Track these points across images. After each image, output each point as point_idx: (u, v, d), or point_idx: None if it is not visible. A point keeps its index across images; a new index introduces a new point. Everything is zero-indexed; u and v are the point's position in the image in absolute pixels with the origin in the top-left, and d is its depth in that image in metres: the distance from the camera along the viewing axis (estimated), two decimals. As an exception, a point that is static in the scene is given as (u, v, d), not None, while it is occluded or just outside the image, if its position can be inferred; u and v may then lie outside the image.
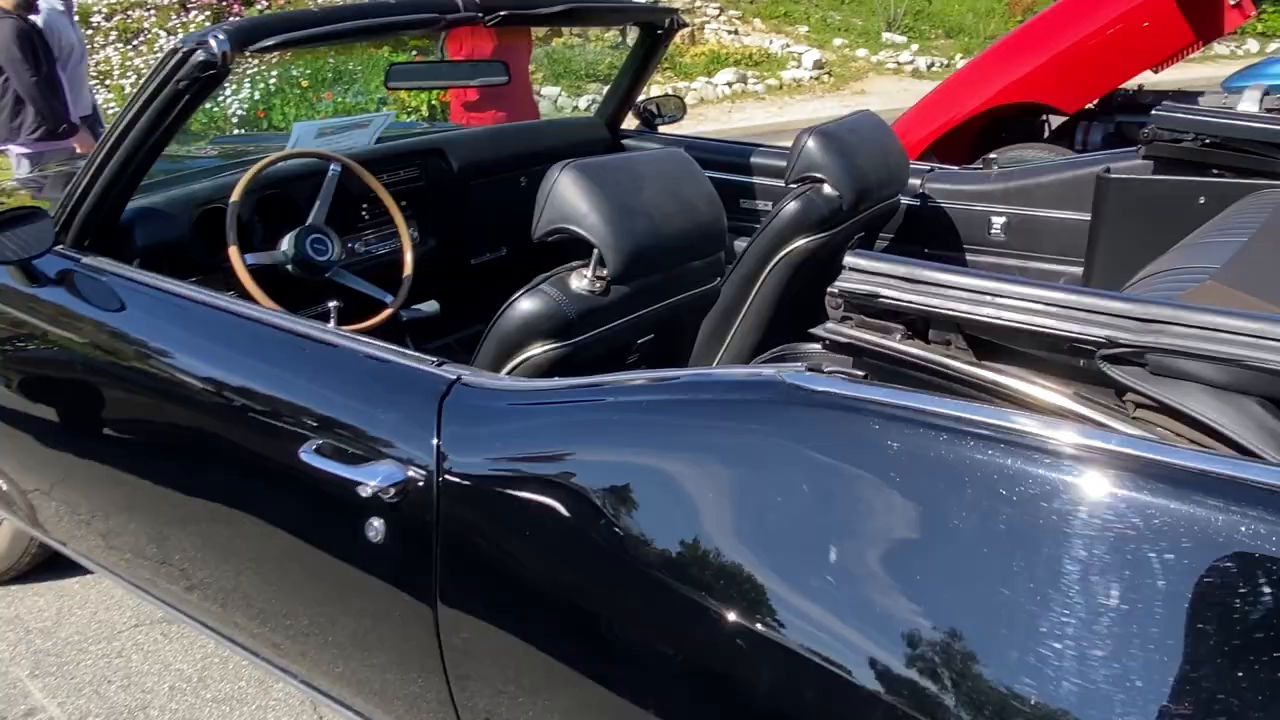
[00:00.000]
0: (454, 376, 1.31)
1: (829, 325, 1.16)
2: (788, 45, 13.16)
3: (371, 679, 1.54)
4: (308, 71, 8.78)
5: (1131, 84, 4.93)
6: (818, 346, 1.19)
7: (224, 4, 10.18)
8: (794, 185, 2.15)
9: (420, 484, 1.26)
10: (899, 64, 13.49)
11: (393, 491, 1.26)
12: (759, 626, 0.97)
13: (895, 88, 12.29)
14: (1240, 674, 0.75)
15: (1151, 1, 4.09)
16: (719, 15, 13.52)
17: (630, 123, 3.29)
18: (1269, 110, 4.20)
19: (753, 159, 2.83)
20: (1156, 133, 2.12)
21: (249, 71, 8.39)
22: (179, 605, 1.92)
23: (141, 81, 1.78)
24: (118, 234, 1.92)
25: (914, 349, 1.09)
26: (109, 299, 1.77)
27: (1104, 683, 0.80)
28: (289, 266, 2.12)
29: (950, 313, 1.06)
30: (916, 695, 0.89)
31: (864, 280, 1.11)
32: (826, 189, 2.12)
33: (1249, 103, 4.21)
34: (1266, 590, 0.77)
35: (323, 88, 8.94)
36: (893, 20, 14.10)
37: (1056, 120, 4.96)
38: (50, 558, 2.60)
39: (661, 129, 3.25)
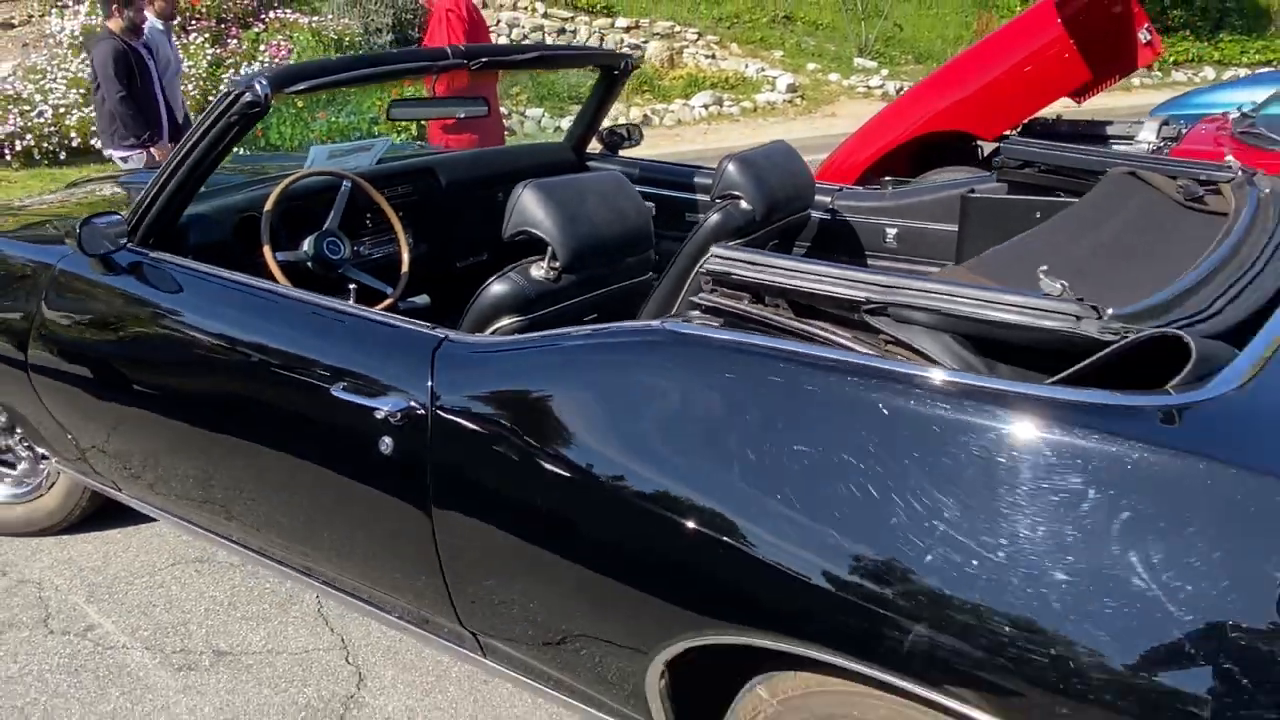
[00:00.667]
0: (443, 336, 1.82)
1: (701, 295, 1.67)
2: (763, 69, 13.75)
3: (383, 577, 2.03)
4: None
5: (1051, 113, 5.49)
6: (698, 312, 1.69)
7: (222, 26, 10.68)
8: (718, 200, 2.67)
9: (419, 411, 1.76)
10: (869, 88, 14.10)
11: (399, 415, 1.76)
12: (662, 500, 1.47)
13: (865, 111, 12.83)
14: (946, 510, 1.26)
15: (1054, 43, 4.64)
16: (698, 40, 14.12)
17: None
18: (1163, 139, 4.77)
19: (695, 179, 3.35)
20: (1007, 160, 2.65)
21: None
22: (219, 532, 2.40)
23: (200, 116, 2.28)
24: (175, 235, 2.41)
25: (754, 309, 1.60)
26: (172, 285, 2.27)
27: (868, 523, 1.30)
28: (309, 263, 2.62)
29: (776, 284, 1.57)
30: (751, 538, 1.39)
31: (722, 263, 1.63)
32: (743, 204, 2.64)
33: (1148, 131, 4.78)
34: (944, 440, 1.28)
35: (317, 108, 9.44)
36: (864, 46, 14.72)
37: (990, 146, 5.50)
38: (94, 512, 3.07)
39: (622, 152, 3.76)
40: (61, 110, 8.92)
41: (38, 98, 9.00)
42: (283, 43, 10.65)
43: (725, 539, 1.39)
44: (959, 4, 16.77)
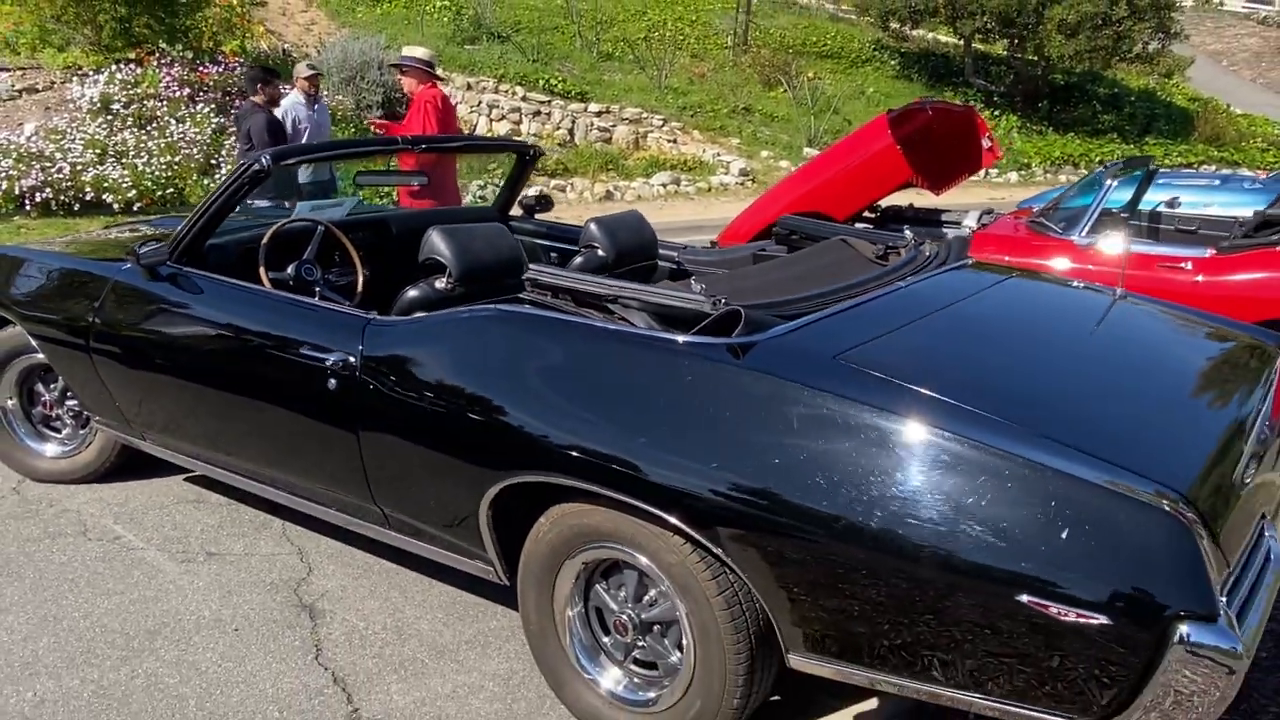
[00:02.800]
0: (371, 317, 2.90)
1: (524, 294, 2.78)
2: (719, 154, 15.10)
3: (327, 477, 3.07)
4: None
5: (904, 201, 6.75)
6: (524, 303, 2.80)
7: (227, 98, 11.91)
8: (584, 249, 3.79)
9: (352, 360, 2.83)
10: (816, 175, 15.46)
11: (340, 364, 2.83)
12: (491, 406, 2.54)
13: (808, 195, 14.20)
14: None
15: (885, 150, 5.86)
16: (663, 125, 15.49)
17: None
18: (980, 224, 5.95)
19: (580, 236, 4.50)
20: (781, 230, 3.79)
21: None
22: (220, 463, 3.44)
23: (222, 179, 3.38)
24: (200, 257, 3.50)
25: (553, 301, 2.71)
26: (196, 289, 3.34)
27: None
28: (291, 281, 3.70)
29: (564, 286, 2.69)
30: (540, 420, 2.46)
31: (535, 274, 2.74)
32: (599, 252, 3.76)
33: (970, 219, 5.97)
34: (642, 362, 2.37)
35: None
36: (813, 137, 16.12)
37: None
38: (119, 466, 4.08)
39: (538, 216, 4.89)
40: (79, 167, 10.05)
41: (57, 155, 10.14)
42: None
43: (527, 420, 2.47)
44: (904, 102, 18.29)
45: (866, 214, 6.58)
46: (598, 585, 2.62)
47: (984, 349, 2.62)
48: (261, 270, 3.57)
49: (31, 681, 2.80)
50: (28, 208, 9.67)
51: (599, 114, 15.14)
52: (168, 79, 11.64)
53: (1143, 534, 1.87)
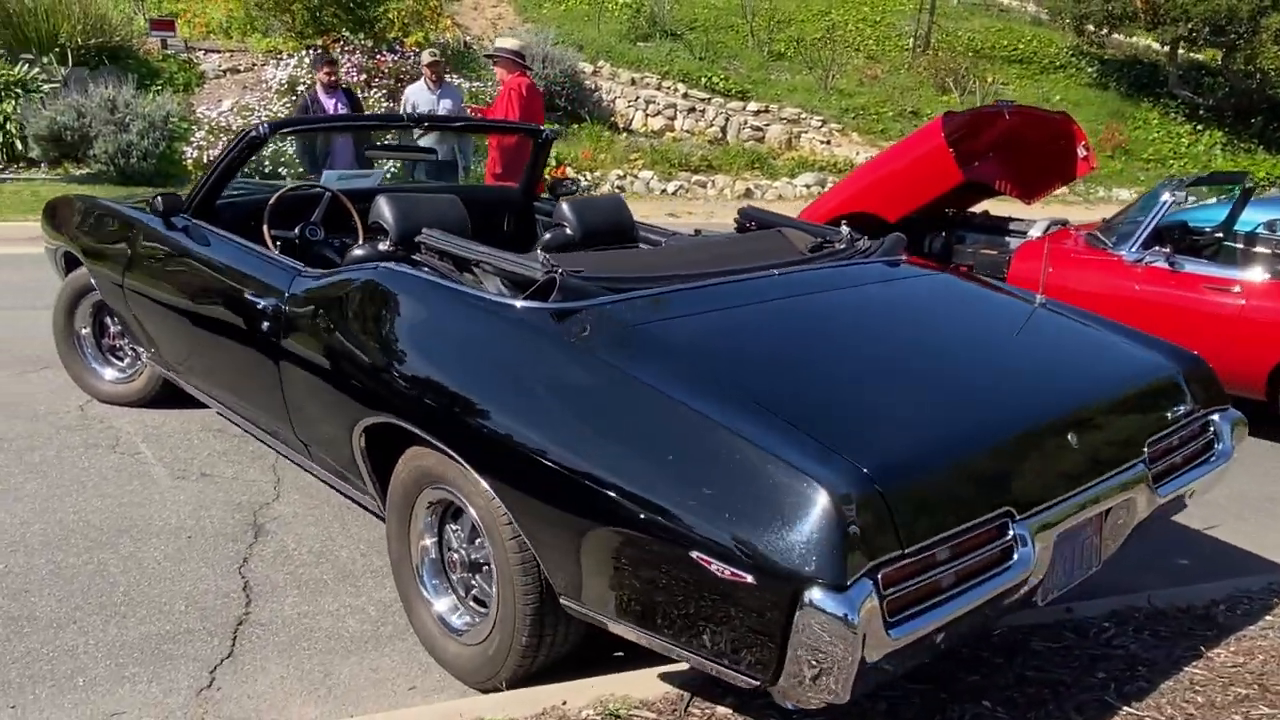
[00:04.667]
0: (299, 270, 3.24)
1: (418, 255, 3.04)
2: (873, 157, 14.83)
3: (271, 421, 3.45)
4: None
5: (978, 208, 6.52)
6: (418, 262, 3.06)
7: (399, 84, 12.85)
8: (552, 227, 4.01)
9: (282, 306, 3.18)
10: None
11: (271, 309, 3.19)
12: (367, 348, 2.83)
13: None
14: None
15: (934, 153, 5.66)
16: (820, 127, 15.37)
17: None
18: (1045, 233, 5.70)
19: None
20: (742, 219, 3.86)
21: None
22: (210, 397, 3.90)
23: (226, 144, 3.83)
24: (213, 212, 3.97)
25: (438, 263, 2.95)
26: (203, 240, 3.80)
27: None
28: (296, 240, 4.12)
29: (441, 248, 2.94)
30: (399, 366, 2.73)
31: (425, 238, 2.99)
32: (567, 230, 3.97)
33: (1037, 229, 5.76)
34: (485, 320, 2.59)
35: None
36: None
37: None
38: (165, 395, 4.65)
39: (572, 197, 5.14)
40: (259, 142, 11.15)
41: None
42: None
43: (380, 367, 2.74)
44: (1093, 110, 17.25)
45: (932, 215, 6.42)
46: (449, 525, 2.85)
47: (794, 334, 2.67)
48: (265, 229, 4.00)
49: (6, 556, 3.33)
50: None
51: (756, 113, 15.20)
52: (348, 65, 12.68)
53: (795, 502, 1.92)
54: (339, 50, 12.86)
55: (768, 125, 15.06)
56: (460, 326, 2.63)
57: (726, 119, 14.91)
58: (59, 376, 4.85)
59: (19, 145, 10.94)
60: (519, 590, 2.51)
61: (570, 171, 12.42)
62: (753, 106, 15.30)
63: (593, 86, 14.58)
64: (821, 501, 1.90)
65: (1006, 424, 2.36)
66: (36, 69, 11.40)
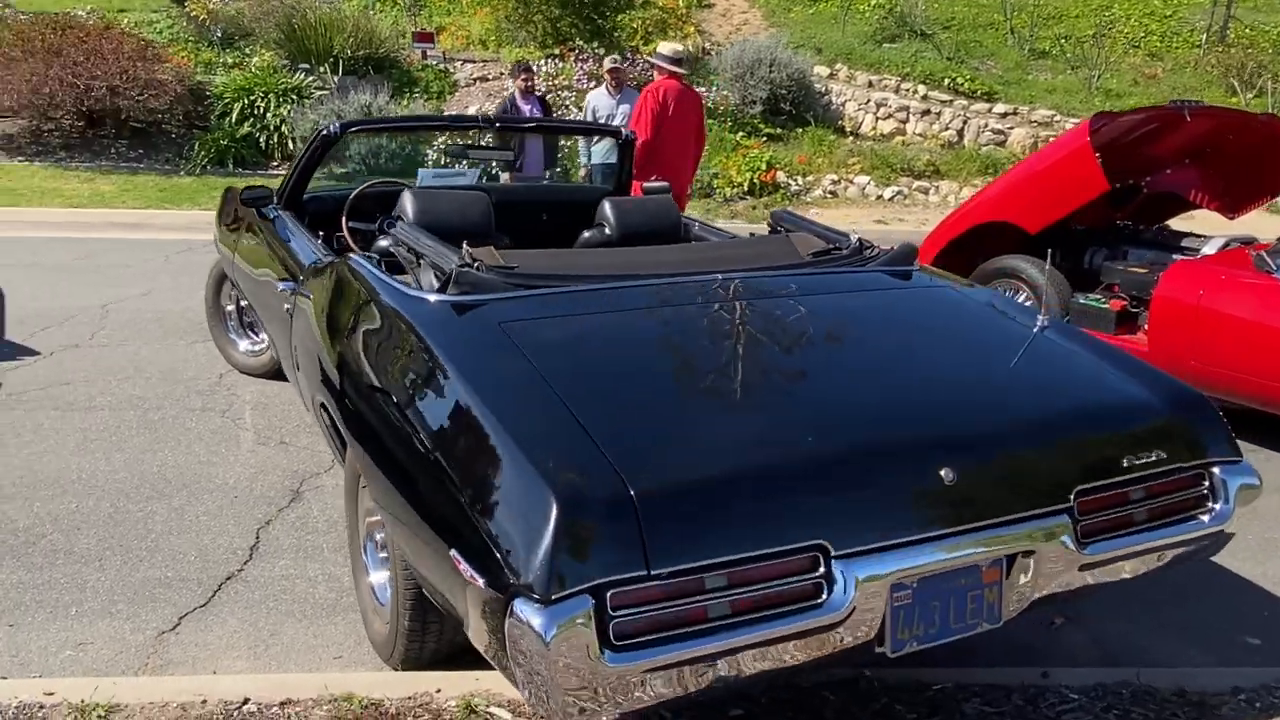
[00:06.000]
0: (316, 257, 3.49)
1: (390, 245, 3.18)
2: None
3: (296, 382, 3.75)
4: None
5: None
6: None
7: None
8: (594, 226, 4.03)
9: (296, 289, 3.45)
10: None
11: (290, 291, 3.47)
12: (325, 318, 3.03)
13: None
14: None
15: (1076, 155, 4.98)
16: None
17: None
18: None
19: None
20: (774, 221, 3.68)
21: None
22: (285, 372, 4.29)
23: (307, 141, 4.19)
24: (300, 204, 4.35)
25: (403, 254, 3.09)
26: (284, 226, 4.19)
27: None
28: (376, 232, 4.42)
29: (402, 239, 3.06)
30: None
31: (395, 230, 3.13)
32: (606, 229, 3.97)
33: (1211, 247, 5.07)
34: (407, 310, 2.71)
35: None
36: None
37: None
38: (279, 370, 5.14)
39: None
40: (489, 144, 11.95)
41: (480, 133, 12.15)
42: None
43: (325, 347, 2.92)
44: None
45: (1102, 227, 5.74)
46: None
47: (672, 342, 2.60)
48: (344, 220, 4.33)
49: (83, 497, 3.84)
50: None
51: (1003, 115, 14.23)
52: (580, 73, 13.25)
53: (529, 510, 1.86)
54: (573, 59, 13.47)
55: (1012, 129, 14.05)
56: (376, 316, 2.74)
57: (964, 122, 14.07)
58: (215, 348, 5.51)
59: (290, 145, 12.38)
60: (400, 573, 2.58)
61: (781, 176, 12.26)
62: (999, 108, 14.33)
63: (822, 90, 14.27)
64: (547, 511, 1.83)
65: (851, 452, 2.14)
66: (311, 77, 12.86)
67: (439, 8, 16.23)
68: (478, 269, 2.67)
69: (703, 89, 13.55)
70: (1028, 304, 2.81)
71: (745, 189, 11.98)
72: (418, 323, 2.50)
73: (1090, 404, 2.47)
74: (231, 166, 12.19)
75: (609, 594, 1.81)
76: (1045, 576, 2.23)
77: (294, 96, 12.51)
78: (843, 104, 14.33)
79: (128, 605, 3.15)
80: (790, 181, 12.34)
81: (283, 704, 2.53)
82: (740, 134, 13.00)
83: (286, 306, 3.51)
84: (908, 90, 14.58)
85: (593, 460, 1.94)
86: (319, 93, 12.66)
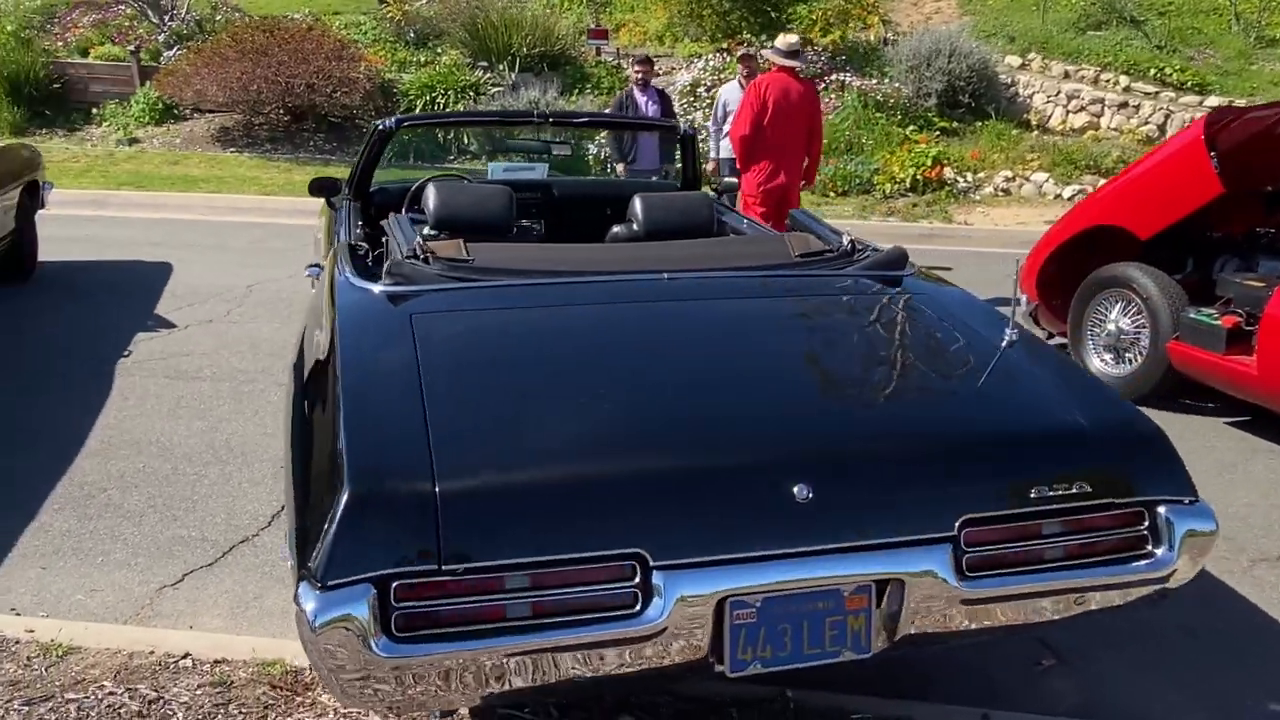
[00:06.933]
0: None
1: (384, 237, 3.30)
2: None
3: None
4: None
5: None
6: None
7: (804, 83, 12.99)
8: (625, 221, 4.02)
9: (315, 275, 3.66)
10: None
11: (313, 276, 3.68)
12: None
13: None
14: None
15: (1185, 151, 4.38)
16: None
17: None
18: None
19: None
20: (791, 223, 3.53)
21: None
22: None
23: (366, 137, 4.42)
24: (367, 194, 4.59)
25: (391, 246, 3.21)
26: (341, 215, 4.43)
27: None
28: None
29: (390, 234, 3.17)
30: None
31: (386, 222, 3.24)
32: (634, 225, 3.94)
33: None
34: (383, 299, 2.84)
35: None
36: None
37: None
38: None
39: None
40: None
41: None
42: (831, 100, 12.66)
43: (302, 335, 3.10)
44: None
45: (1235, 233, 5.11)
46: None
47: (568, 340, 2.60)
48: (404, 211, 4.54)
49: (155, 459, 4.22)
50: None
51: (1214, 109, 12.93)
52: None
53: (329, 497, 1.91)
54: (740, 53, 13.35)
55: (1224, 124, 12.74)
56: (325, 305, 2.85)
57: (1167, 116, 12.87)
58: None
59: (464, 139, 12.98)
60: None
61: (949, 172, 11.67)
62: (1212, 100, 13.02)
63: (1008, 81, 13.45)
64: (339, 500, 1.87)
65: (688, 463, 2.05)
66: (489, 74, 13.43)
67: (622, 4, 16.52)
68: (425, 261, 2.74)
69: (873, 81, 13.12)
70: (1012, 326, 2.55)
71: (907, 185, 11.49)
72: (338, 311, 2.61)
73: (1003, 427, 2.24)
74: (412, 160, 12.94)
75: (394, 585, 1.83)
76: (918, 611, 2.05)
77: (471, 93, 13.11)
78: (1029, 96, 13.46)
79: (146, 559, 3.45)
80: (958, 178, 11.73)
81: (216, 662, 2.70)
82: (911, 128, 12.48)
83: (312, 290, 3.72)
84: (1107, 81, 13.52)
85: (413, 454, 1.96)
86: (494, 89, 13.20)
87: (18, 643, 2.76)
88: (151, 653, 2.73)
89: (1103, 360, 5.17)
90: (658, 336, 2.58)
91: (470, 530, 1.87)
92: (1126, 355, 5.07)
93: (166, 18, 14.88)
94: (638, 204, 3.96)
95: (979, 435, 2.21)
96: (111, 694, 2.51)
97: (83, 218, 9.85)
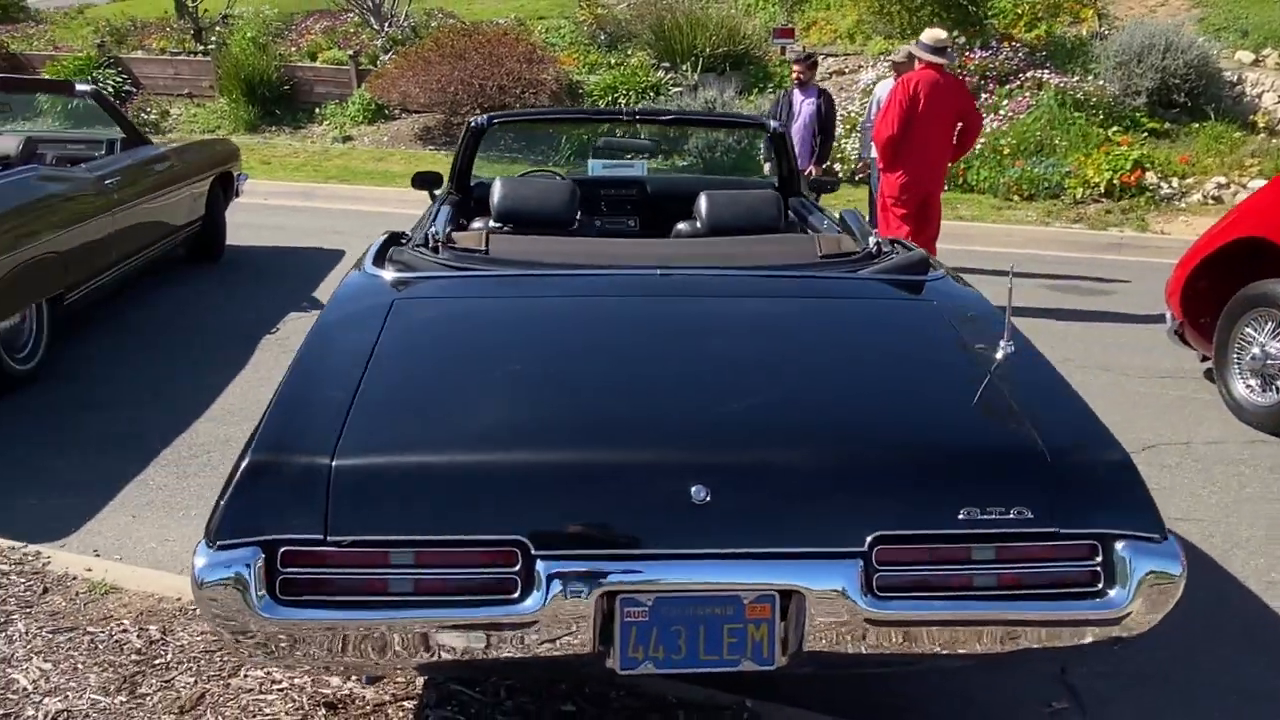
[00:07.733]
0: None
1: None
2: None
3: None
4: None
5: None
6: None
7: (984, 80, 12.37)
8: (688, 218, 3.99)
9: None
10: None
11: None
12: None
13: None
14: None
15: None
16: None
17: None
18: None
19: None
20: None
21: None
22: None
23: (462, 135, 4.61)
24: (466, 190, 4.79)
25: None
26: (439, 204, 4.64)
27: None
28: None
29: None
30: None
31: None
32: (698, 221, 3.91)
33: None
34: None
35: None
36: None
37: None
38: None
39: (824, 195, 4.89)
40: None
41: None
42: (1025, 98, 11.95)
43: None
44: None
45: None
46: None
47: (542, 331, 2.61)
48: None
49: (217, 425, 4.56)
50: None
51: None
52: (935, 64, 12.61)
53: (238, 462, 2.02)
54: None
55: None
56: (340, 285, 3.02)
57: None
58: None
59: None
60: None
61: (1151, 177, 10.74)
62: None
63: (1234, 79, 12.20)
64: (239, 465, 1.99)
65: (580, 456, 2.05)
66: (670, 75, 13.59)
67: (817, 3, 16.26)
68: (434, 250, 2.85)
69: (1074, 78, 12.27)
70: (1008, 338, 2.35)
71: (1102, 190, 10.68)
72: (334, 293, 2.76)
73: (940, 441, 2.08)
74: (591, 158, 13.31)
75: (281, 550, 1.93)
76: (820, 628, 1.94)
77: (652, 93, 13.31)
78: (1258, 95, 12.17)
79: (174, 512, 3.78)
80: (1161, 184, 10.78)
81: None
82: (1114, 128, 11.57)
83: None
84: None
85: (324, 429, 2.06)
86: (675, 89, 13.35)
87: (74, 579, 3.10)
88: (178, 599, 2.99)
89: (1247, 386, 4.64)
90: (620, 333, 2.57)
91: (358, 505, 1.95)
92: (1276, 383, 4.52)
93: (385, 24, 15.99)
94: (703, 201, 3.94)
95: (907, 448, 2.07)
96: (125, 631, 2.78)
97: (287, 207, 10.81)
